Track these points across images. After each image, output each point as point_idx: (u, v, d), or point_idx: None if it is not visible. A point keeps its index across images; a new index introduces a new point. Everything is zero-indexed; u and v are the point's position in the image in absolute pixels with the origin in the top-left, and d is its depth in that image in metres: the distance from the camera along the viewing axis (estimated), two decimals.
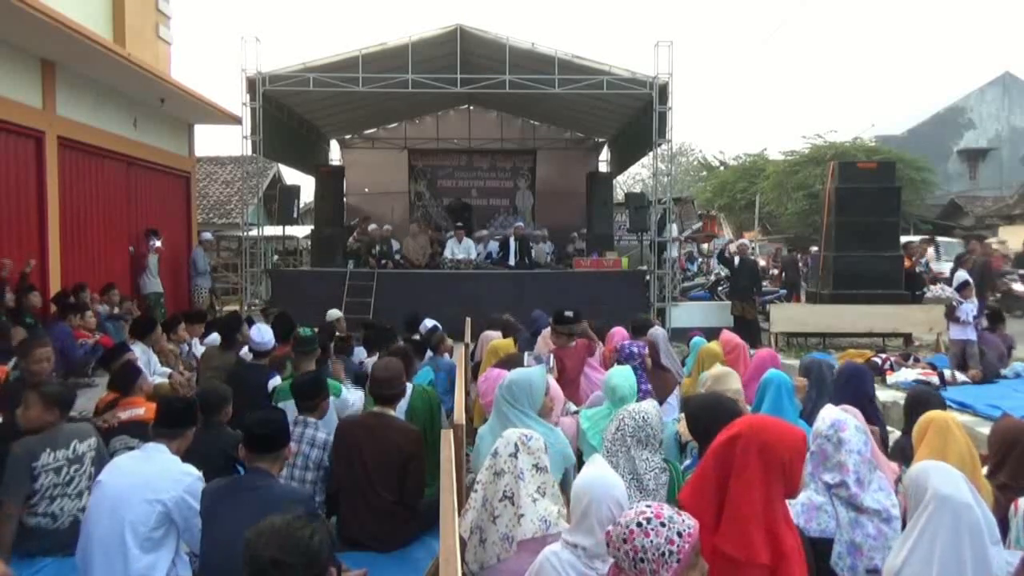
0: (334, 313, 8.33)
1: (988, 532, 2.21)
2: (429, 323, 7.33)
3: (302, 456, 3.86)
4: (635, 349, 5.05)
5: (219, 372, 5.71)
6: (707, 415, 3.16)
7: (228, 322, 6.52)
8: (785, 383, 4.13)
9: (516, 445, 2.90)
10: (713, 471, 2.28)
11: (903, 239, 19.08)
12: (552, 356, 5.42)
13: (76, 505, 3.55)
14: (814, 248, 15.04)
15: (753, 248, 20.54)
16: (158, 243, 11.56)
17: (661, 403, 5.01)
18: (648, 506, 2.00)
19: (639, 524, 1.94)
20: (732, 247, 12.46)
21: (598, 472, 2.45)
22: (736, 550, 2.16)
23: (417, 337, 6.94)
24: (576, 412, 4.47)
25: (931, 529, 2.20)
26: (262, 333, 5.46)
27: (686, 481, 2.47)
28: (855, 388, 4.16)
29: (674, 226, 13.07)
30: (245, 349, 5.97)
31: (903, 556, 2.25)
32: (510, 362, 5.30)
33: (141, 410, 4.21)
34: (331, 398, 4.63)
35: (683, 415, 3.97)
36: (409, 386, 4.61)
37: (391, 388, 3.98)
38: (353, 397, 4.86)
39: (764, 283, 15.27)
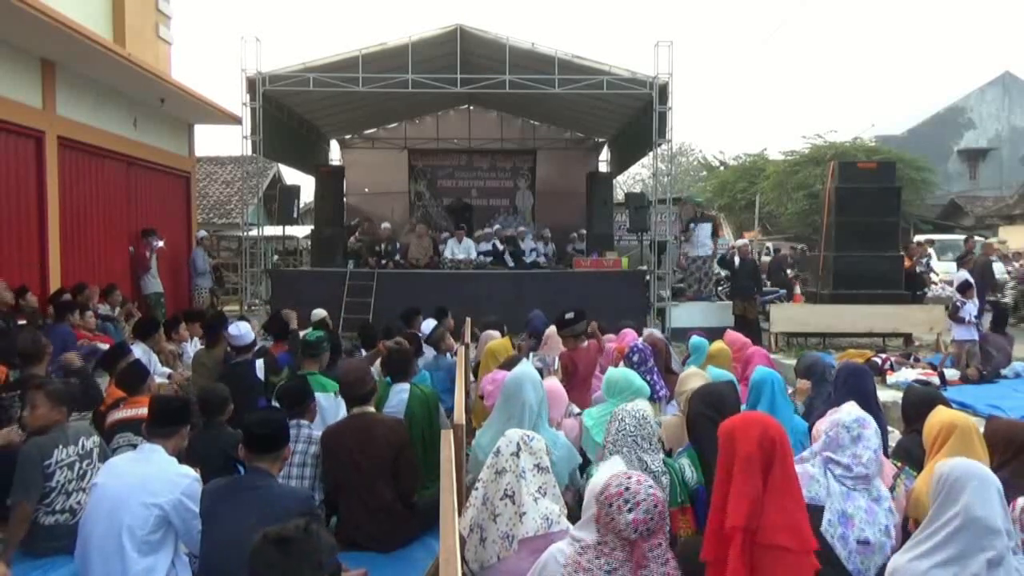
0: (319, 313, 8.31)
1: (1009, 552, 2.21)
2: (430, 324, 7.34)
3: (299, 454, 3.87)
4: (646, 352, 5.03)
5: (207, 370, 5.75)
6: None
7: (212, 321, 6.55)
8: (778, 381, 4.14)
9: (518, 444, 2.90)
10: (758, 472, 2.29)
11: (919, 238, 19.13)
12: (556, 359, 5.41)
13: None
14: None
15: (767, 248, 20.50)
16: (160, 243, 11.58)
17: (668, 403, 5.03)
18: (617, 478, 2.30)
19: (638, 483, 2.29)
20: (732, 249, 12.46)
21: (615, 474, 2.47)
22: (793, 541, 2.22)
23: (418, 333, 6.93)
24: (579, 414, 4.47)
25: (952, 544, 2.21)
26: (240, 328, 5.52)
27: (722, 493, 2.40)
28: (853, 387, 4.14)
29: (707, 232, 12.93)
30: None
31: (914, 558, 2.25)
32: (512, 364, 5.30)
33: (145, 409, 4.23)
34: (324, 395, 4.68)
35: (664, 422, 3.97)
36: (407, 386, 4.61)
37: (363, 388, 4.02)
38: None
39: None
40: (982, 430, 3.23)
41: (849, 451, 2.84)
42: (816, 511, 2.72)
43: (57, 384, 3.88)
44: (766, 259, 17.89)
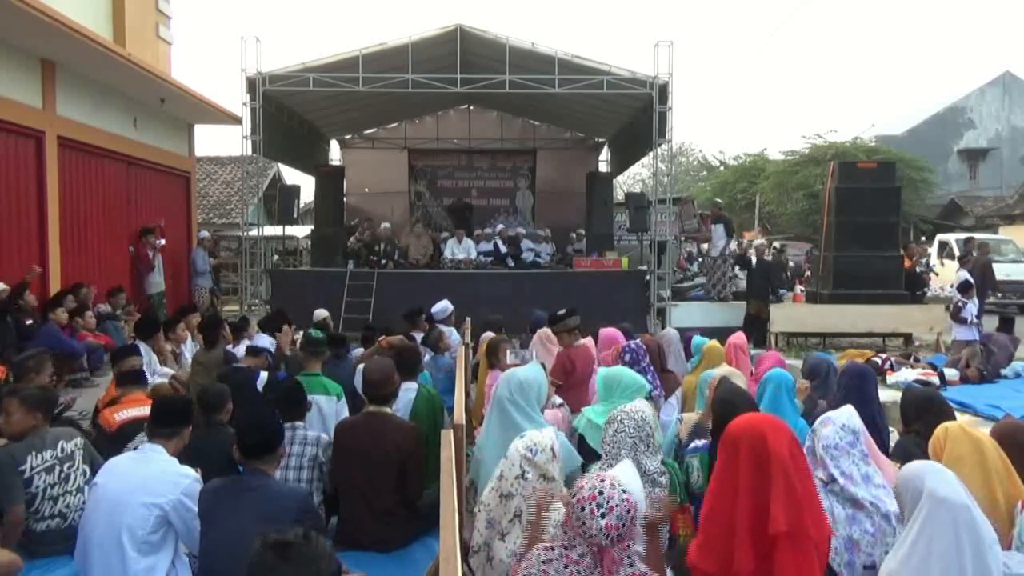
0: (321, 313, 8.34)
1: (986, 532, 2.20)
2: (440, 307, 7.39)
3: (295, 456, 3.86)
4: (641, 350, 5.02)
5: (205, 370, 5.75)
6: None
7: (210, 322, 6.56)
8: (785, 381, 4.13)
9: (522, 466, 2.86)
10: (795, 470, 2.32)
11: (941, 237, 19.03)
12: (535, 354, 5.39)
13: (80, 500, 3.54)
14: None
15: (776, 248, 20.49)
16: (162, 241, 11.60)
17: (664, 402, 5.02)
18: (590, 481, 2.24)
19: (611, 487, 2.21)
20: (742, 248, 12.43)
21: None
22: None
23: (420, 334, 6.95)
24: (562, 404, 4.46)
25: (928, 531, 2.20)
26: (265, 338, 5.53)
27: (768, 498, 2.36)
28: (857, 388, 4.16)
29: (719, 232, 12.90)
30: (242, 350, 5.99)
31: (899, 558, 2.25)
32: (492, 350, 5.31)
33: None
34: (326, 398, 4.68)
35: (683, 416, 3.97)
36: (414, 386, 4.62)
37: (385, 388, 3.99)
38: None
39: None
40: (985, 431, 3.21)
41: (817, 455, 2.86)
42: None
43: (32, 390, 3.83)
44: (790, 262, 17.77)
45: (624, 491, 2.23)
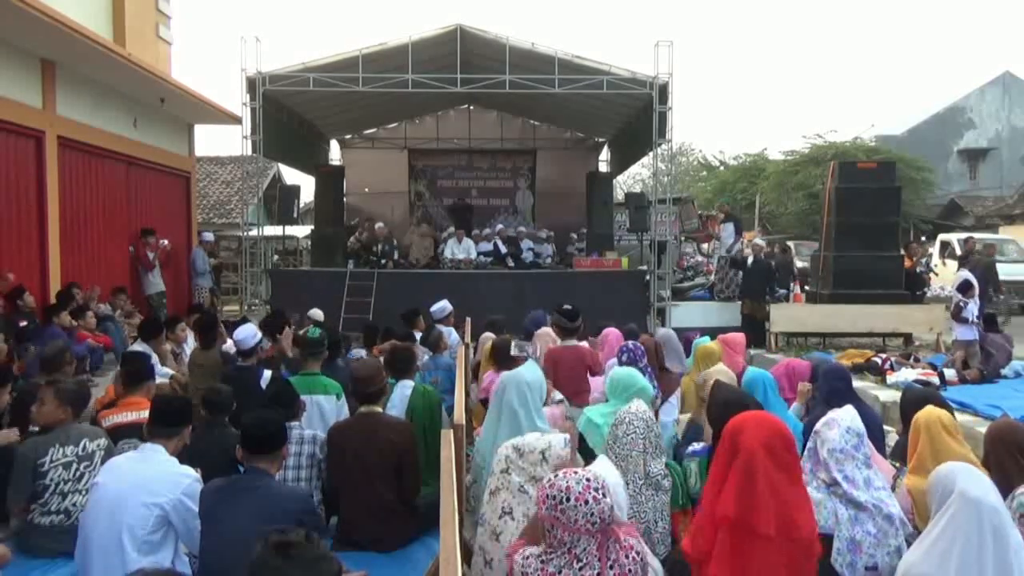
0: (317, 313, 8.33)
1: (1013, 537, 2.21)
2: (438, 307, 7.44)
3: (293, 456, 3.88)
4: (639, 351, 5.02)
5: (204, 371, 5.74)
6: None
7: (203, 323, 6.55)
8: (769, 381, 4.16)
9: (506, 460, 2.85)
10: (785, 468, 2.35)
11: (943, 237, 18.96)
12: (539, 349, 5.39)
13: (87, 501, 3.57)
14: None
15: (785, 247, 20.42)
16: (164, 242, 11.61)
17: (663, 403, 5.02)
18: (578, 482, 2.19)
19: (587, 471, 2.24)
20: (747, 248, 12.38)
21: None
22: (811, 530, 2.35)
23: (418, 333, 6.95)
24: (561, 401, 4.47)
25: (952, 528, 2.21)
26: (243, 331, 5.50)
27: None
28: (839, 391, 4.17)
29: (728, 231, 12.90)
30: (233, 347, 5.99)
31: (921, 551, 2.26)
32: (500, 353, 5.30)
33: (146, 412, 4.21)
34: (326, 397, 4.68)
35: (682, 417, 3.98)
36: (411, 383, 4.62)
37: (372, 385, 4.01)
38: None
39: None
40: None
41: (820, 457, 2.87)
42: (826, 540, 2.69)
43: (69, 383, 3.89)
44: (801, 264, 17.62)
45: (588, 477, 2.27)
